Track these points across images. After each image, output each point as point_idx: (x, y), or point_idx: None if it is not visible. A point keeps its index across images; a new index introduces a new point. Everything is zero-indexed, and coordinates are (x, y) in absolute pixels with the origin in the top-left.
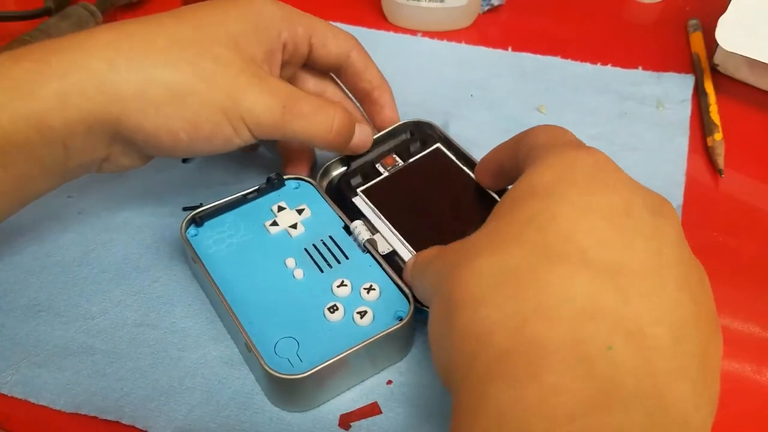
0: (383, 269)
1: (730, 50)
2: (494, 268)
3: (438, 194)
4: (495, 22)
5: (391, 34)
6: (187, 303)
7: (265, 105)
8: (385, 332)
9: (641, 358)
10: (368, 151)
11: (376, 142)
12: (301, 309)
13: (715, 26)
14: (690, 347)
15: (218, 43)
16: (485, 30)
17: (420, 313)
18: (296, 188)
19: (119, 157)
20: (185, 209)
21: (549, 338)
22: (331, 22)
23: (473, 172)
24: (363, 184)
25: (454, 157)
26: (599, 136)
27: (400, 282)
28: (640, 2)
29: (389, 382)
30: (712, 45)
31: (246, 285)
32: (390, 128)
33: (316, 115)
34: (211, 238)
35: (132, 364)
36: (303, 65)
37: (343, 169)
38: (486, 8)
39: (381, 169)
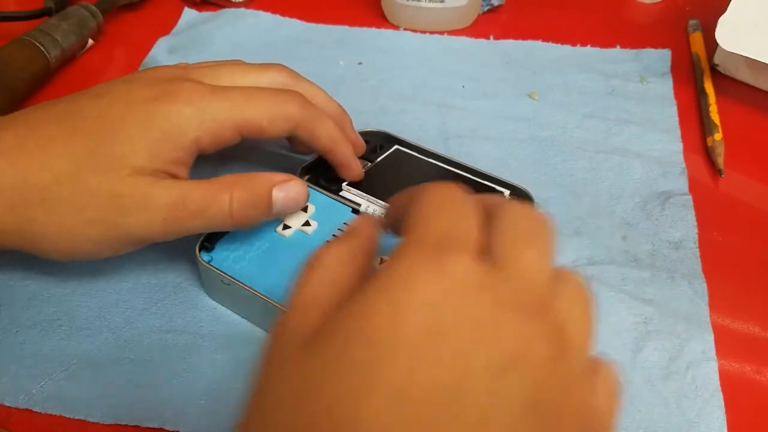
0: None
1: (730, 50)
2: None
3: (413, 182)
4: (495, 22)
5: (374, 29)
6: (212, 307)
7: (142, 223)
8: None
9: None
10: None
11: None
12: None
13: (715, 26)
14: None
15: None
16: (485, 30)
17: None
18: None
19: None
20: None
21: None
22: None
23: (437, 161)
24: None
25: (415, 153)
26: (592, 113)
27: None
28: (640, 2)
29: None
30: (712, 45)
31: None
32: None
33: (206, 210)
34: (228, 258)
35: (166, 370)
36: None
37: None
38: (486, 8)
39: None
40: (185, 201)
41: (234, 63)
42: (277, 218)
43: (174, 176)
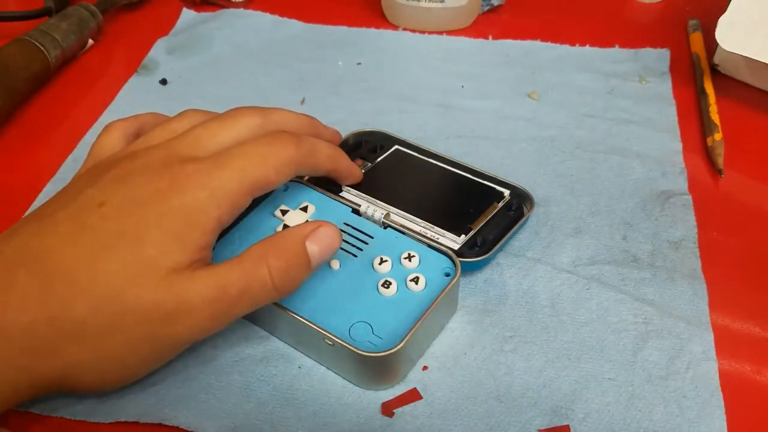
0: (410, 237)
1: (729, 50)
2: None
3: (413, 182)
4: (495, 22)
5: (373, 29)
6: None
7: (191, 325)
8: (448, 287)
9: None
10: None
11: None
12: (354, 295)
13: (715, 26)
14: None
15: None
16: (485, 30)
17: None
18: (285, 190)
19: None
20: None
21: None
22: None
23: (437, 161)
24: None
25: (415, 153)
26: (592, 113)
27: (431, 242)
28: (640, 2)
29: (425, 367)
30: (712, 45)
31: None
32: (343, 139)
33: (248, 291)
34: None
35: (165, 366)
36: None
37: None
38: (486, 8)
39: None
40: (225, 288)
41: (201, 120)
42: (279, 224)
43: (206, 261)
